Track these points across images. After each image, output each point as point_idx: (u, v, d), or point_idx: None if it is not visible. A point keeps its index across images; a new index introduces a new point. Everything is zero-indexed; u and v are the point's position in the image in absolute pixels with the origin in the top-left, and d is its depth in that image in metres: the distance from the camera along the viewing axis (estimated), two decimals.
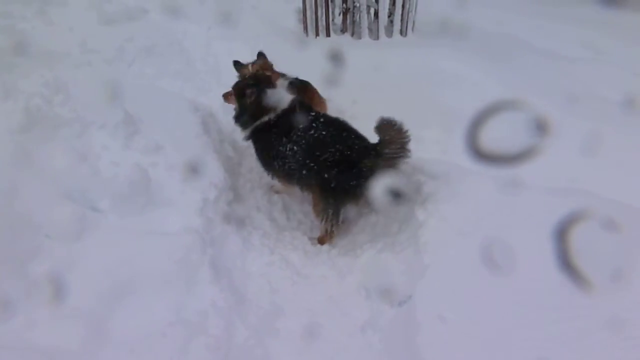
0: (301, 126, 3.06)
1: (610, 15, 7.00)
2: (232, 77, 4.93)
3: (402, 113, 3.90)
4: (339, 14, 5.52)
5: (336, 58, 4.82)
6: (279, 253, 2.90)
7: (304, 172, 3.02)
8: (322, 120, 3.13)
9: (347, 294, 2.73)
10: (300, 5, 5.71)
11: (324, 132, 3.03)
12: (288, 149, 3.05)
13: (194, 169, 2.98)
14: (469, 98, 3.33)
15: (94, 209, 2.72)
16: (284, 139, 3.07)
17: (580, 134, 2.94)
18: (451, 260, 2.37)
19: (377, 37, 5.31)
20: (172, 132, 3.23)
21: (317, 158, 2.97)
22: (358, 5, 5.24)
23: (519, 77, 4.30)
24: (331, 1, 5.41)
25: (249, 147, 3.56)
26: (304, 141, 3.03)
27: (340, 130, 3.09)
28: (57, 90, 3.40)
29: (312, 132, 3.03)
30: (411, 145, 3.71)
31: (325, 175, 2.95)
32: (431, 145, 3.70)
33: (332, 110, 4.25)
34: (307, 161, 3.00)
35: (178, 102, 3.76)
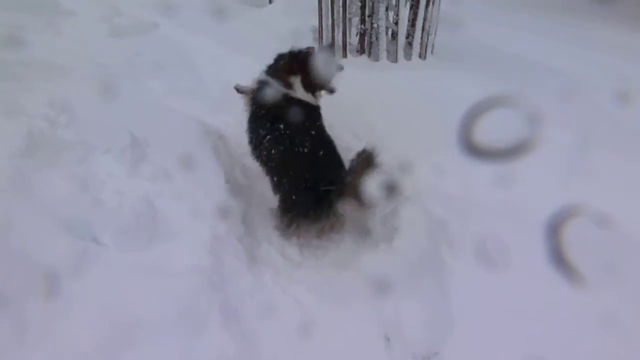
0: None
1: None
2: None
3: (421, 141, 3.74)
4: (356, 35, 5.35)
5: (352, 81, 4.67)
6: (291, 294, 2.69)
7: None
8: (312, 133, 3.12)
9: (365, 341, 2.51)
10: (316, 23, 5.56)
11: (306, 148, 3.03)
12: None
13: (203, 200, 2.79)
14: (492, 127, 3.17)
15: (95, 241, 2.53)
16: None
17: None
18: (482, 315, 2.17)
19: (396, 60, 5.13)
20: (181, 158, 3.03)
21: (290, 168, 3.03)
22: (376, 26, 5.06)
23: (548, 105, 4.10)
24: (349, 21, 5.24)
25: (260, 173, 3.39)
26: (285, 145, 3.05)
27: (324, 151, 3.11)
28: (62, 110, 3.23)
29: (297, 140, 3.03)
30: (433, 178, 3.55)
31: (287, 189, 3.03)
32: (453, 177, 3.50)
33: (348, 135, 4.08)
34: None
35: (187, 124, 3.59)
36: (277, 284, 2.75)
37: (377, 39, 5.16)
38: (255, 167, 3.40)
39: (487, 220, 2.76)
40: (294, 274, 2.87)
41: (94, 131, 3.05)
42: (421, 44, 5.17)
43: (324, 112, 3.78)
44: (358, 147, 3.67)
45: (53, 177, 2.59)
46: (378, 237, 3.04)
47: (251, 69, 5.17)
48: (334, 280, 2.79)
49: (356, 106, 4.23)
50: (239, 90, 3.64)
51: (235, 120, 4.36)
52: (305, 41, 5.85)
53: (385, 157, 3.38)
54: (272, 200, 3.21)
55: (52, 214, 2.48)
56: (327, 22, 5.31)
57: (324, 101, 3.98)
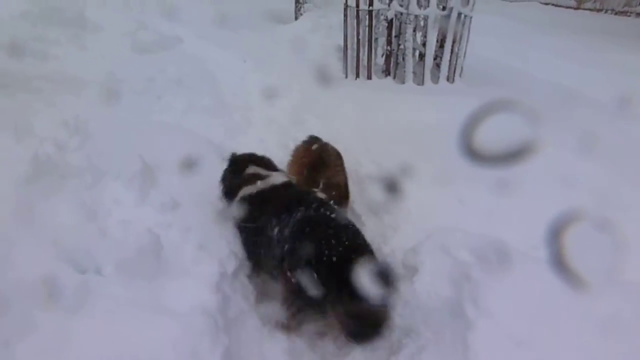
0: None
1: None
2: (263, 117, 4.70)
3: (444, 172, 3.56)
4: (382, 55, 5.20)
5: (376, 104, 4.52)
6: (303, 338, 2.53)
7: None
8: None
9: None
10: (341, 42, 5.44)
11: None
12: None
13: (212, 233, 2.66)
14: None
15: (97, 272, 2.42)
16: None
17: None
18: None
19: (422, 82, 4.96)
20: (193, 186, 2.93)
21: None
22: (403, 47, 4.91)
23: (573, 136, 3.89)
24: (375, 40, 5.10)
25: None
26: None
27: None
28: (75, 131, 3.17)
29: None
30: (454, 212, 3.36)
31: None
32: (475, 212, 3.31)
33: (366, 161, 3.91)
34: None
35: (203, 148, 3.48)
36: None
37: (403, 60, 5.00)
38: None
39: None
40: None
41: (105, 155, 2.97)
42: (449, 66, 4.99)
43: (344, 135, 3.66)
44: (377, 175, 3.54)
45: (58, 204, 2.51)
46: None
47: (273, 88, 5.12)
48: None
49: (379, 131, 4.08)
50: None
51: (252, 142, 4.26)
52: (330, 59, 5.75)
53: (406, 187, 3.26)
54: None
55: (55, 244, 2.38)
56: (352, 41, 5.18)
57: (341, 125, 3.84)
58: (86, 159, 2.82)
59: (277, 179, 2.85)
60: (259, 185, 2.78)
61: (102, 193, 2.67)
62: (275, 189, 2.77)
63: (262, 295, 2.67)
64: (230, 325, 2.34)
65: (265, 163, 3.05)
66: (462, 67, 5.12)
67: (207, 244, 2.57)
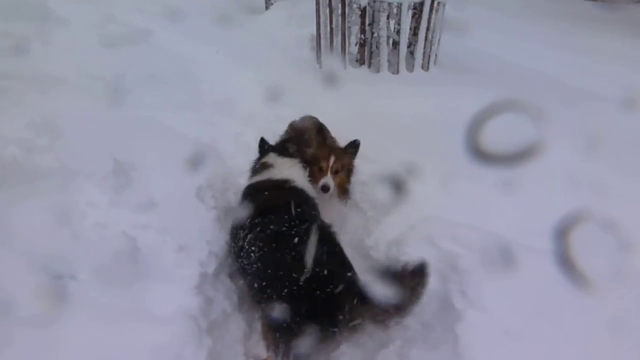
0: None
1: None
2: (240, 111, 4.60)
3: (428, 161, 3.53)
4: (356, 44, 5.14)
5: (352, 96, 4.46)
6: None
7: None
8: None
9: None
10: (314, 32, 5.36)
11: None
12: None
13: (191, 233, 2.58)
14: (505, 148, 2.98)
15: (73, 278, 2.32)
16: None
17: None
18: None
19: (397, 71, 4.93)
20: (169, 183, 2.84)
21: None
22: (377, 35, 4.86)
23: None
24: (348, 29, 5.04)
25: None
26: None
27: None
28: (43, 131, 3.03)
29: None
30: (443, 203, 3.35)
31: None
32: (463, 203, 3.30)
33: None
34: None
35: (179, 143, 3.36)
36: None
37: (377, 48, 4.96)
38: None
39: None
40: None
41: (76, 154, 2.86)
42: (424, 54, 4.96)
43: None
44: (365, 169, 3.48)
45: (28, 209, 2.39)
46: None
47: (248, 80, 5.01)
48: None
49: (359, 124, 4.02)
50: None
51: (230, 136, 4.17)
52: (303, 49, 5.66)
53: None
54: None
55: (26, 251, 2.27)
56: (325, 30, 5.11)
57: (318, 115, 3.78)
58: (55, 159, 2.71)
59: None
60: None
61: (74, 195, 2.56)
62: None
63: (245, 294, 2.60)
64: (214, 328, 2.28)
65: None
66: (436, 55, 5.11)
67: (186, 245, 2.49)
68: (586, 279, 2.05)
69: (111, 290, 2.26)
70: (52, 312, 2.15)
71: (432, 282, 2.49)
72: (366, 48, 5.02)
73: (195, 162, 3.18)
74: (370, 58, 5.05)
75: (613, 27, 7.71)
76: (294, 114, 4.23)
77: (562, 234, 2.17)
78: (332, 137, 3.49)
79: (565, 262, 2.13)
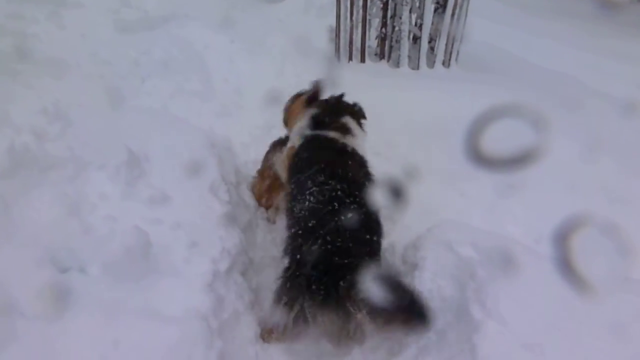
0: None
1: None
2: (253, 101, 4.51)
3: (444, 162, 3.44)
4: (376, 38, 5.03)
5: (370, 89, 4.35)
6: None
7: None
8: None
9: None
10: (333, 22, 5.25)
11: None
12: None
13: (204, 228, 2.52)
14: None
15: (82, 272, 2.26)
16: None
17: None
18: None
19: (417, 67, 4.81)
20: (183, 177, 2.76)
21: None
22: (398, 29, 4.74)
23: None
24: (368, 22, 4.92)
25: None
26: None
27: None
28: (55, 117, 2.97)
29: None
30: (459, 206, 3.26)
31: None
32: (478, 207, 3.21)
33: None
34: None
35: (192, 135, 3.28)
36: None
37: (398, 43, 4.84)
38: None
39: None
40: None
41: (88, 143, 2.79)
42: (445, 50, 4.84)
43: None
44: (378, 166, 3.40)
45: (38, 199, 2.33)
46: None
47: (263, 71, 4.92)
48: None
49: (375, 119, 3.93)
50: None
51: (243, 126, 4.10)
52: (321, 41, 5.55)
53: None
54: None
55: (35, 243, 2.22)
56: (345, 23, 4.99)
57: None
58: (68, 148, 2.64)
59: None
60: None
61: (85, 186, 2.50)
62: None
63: (258, 293, 2.54)
64: (225, 328, 2.21)
65: None
66: (458, 52, 4.98)
67: (198, 241, 2.42)
68: (594, 285, 1.97)
69: (121, 286, 2.20)
70: (59, 307, 2.09)
71: (449, 290, 2.43)
72: (386, 42, 4.91)
73: (209, 154, 3.12)
74: (390, 52, 4.93)
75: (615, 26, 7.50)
76: None
77: (568, 237, 2.08)
78: None
79: (573, 268, 2.04)
